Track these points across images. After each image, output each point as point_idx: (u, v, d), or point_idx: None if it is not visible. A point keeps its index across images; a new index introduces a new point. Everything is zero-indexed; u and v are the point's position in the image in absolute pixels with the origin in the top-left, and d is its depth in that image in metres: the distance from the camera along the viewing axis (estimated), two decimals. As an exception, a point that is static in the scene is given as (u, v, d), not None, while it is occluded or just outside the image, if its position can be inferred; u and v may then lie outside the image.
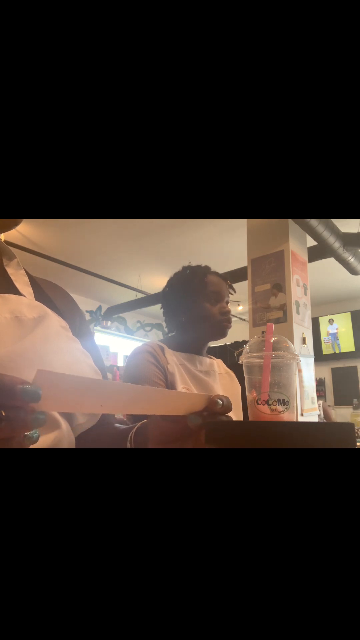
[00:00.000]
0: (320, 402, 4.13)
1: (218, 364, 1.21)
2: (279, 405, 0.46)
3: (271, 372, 0.46)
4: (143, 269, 4.90)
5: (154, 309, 5.41)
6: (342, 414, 5.15)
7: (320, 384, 5.56)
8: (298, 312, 2.87)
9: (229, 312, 1.14)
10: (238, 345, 3.64)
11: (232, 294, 1.20)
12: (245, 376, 0.50)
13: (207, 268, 1.19)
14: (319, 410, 3.96)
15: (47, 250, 4.19)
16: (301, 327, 2.89)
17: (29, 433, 0.33)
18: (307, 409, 2.77)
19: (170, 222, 3.75)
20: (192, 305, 1.12)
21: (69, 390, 0.35)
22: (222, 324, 1.12)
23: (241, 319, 5.68)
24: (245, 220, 3.21)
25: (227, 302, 1.16)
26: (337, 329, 5.90)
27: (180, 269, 1.21)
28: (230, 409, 0.46)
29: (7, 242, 0.64)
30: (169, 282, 1.19)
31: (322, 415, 4.01)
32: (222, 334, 1.14)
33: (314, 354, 3.02)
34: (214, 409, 0.45)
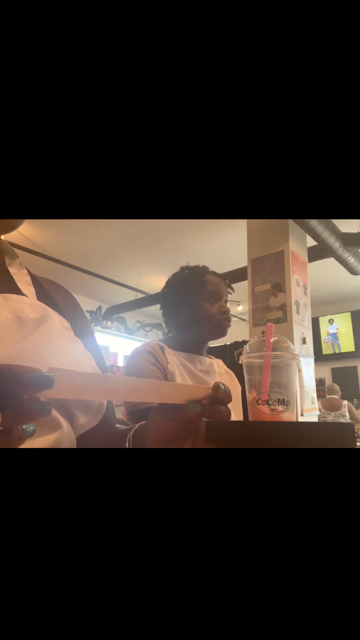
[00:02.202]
0: (345, 402, 4.20)
1: (218, 364, 1.21)
2: (279, 405, 0.46)
3: (271, 372, 0.46)
4: (143, 269, 4.90)
5: (154, 309, 5.41)
6: (342, 414, 5.15)
7: (320, 384, 5.57)
8: (298, 312, 2.87)
9: (228, 311, 1.14)
10: (238, 345, 3.64)
11: (230, 293, 1.20)
12: (245, 376, 0.50)
13: (205, 268, 1.19)
14: (345, 409, 4.02)
15: (47, 250, 4.19)
16: (301, 327, 2.89)
17: (25, 426, 0.32)
18: (307, 409, 2.77)
19: (170, 222, 3.75)
20: (191, 305, 1.12)
21: (75, 383, 0.36)
22: (221, 323, 1.12)
23: (241, 319, 5.68)
24: (245, 220, 3.21)
25: (226, 301, 1.16)
26: (337, 329, 5.91)
27: (178, 269, 1.21)
28: (230, 399, 0.46)
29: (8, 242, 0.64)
30: (167, 282, 1.20)
31: (348, 416, 4.09)
32: (222, 333, 1.14)
33: (314, 354, 3.02)
34: (217, 394, 0.44)
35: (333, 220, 3.18)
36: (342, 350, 5.81)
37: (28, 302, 0.54)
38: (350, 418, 4.16)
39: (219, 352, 3.55)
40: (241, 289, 3.35)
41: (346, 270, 3.72)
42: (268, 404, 0.46)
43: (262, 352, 0.47)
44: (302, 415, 2.69)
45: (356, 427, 3.46)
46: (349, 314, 5.81)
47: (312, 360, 2.94)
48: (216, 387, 0.44)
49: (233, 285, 1.24)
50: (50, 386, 0.31)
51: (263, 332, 0.50)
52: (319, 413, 3.41)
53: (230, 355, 3.55)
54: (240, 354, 0.50)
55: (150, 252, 4.44)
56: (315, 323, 5.71)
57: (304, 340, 2.89)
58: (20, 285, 0.57)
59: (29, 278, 0.60)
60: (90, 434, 0.56)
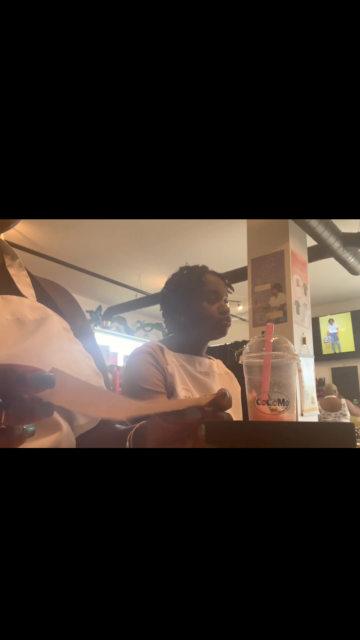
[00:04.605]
0: (344, 400, 4.18)
1: (217, 365, 1.21)
2: (279, 405, 0.46)
3: (271, 372, 0.46)
4: (143, 269, 4.90)
5: (154, 309, 5.41)
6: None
7: (320, 384, 5.57)
8: (298, 312, 2.87)
9: (227, 310, 1.14)
10: (238, 345, 3.64)
11: (230, 292, 1.20)
12: (245, 376, 0.50)
13: (204, 268, 1.19)
14: (345, 408, 4.00)
15: (47, 250, 4.19)
16: (301, 327, 2.89)
17: (26, 426, 0.32)
18: (307, 409, 2.77)
19: (170, 222, 3.75)
20: (191, 305, 1.12)
21: (79, 395, 0.36)
22: (221, 323, 1.12)
23: (241, 319, 5.68)
24: (245, 220, 3.21)
25: (226, 301, 1.16)
26: (337, 329, 5.91)
27: (177, 269, 1.21)
28: (231, 405, 0.46)
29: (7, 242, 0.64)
30: (166, 283, 1.19)
31: (349, 415, 4.08)
32: (222, 332, 1.13)
33: (314, 354, 3.02)
34: (221, 402, 0.45)
35: (333, 220, 3.18)
36: (342, 350, 5.81)
37: (28, 303, 0.54)
38: (351, 414, 4.15)
39: (219, 352, 3.55)
40: (241, 289, 3.35)
41: (346, 270, 3.72)
42: (268, 404, 0.46)
43: (262, 352, 0.47)
44: (302, 415, 2.69)
45: (356, 428, 3.45)
46: (349, 314, 5.81)
47: (312, 360, 2.94)
48: (221, 395, 0.45)
49: (233, 285, 1.23)
50: (52, 386, 0.31)
51: (263, 332, 0.50)
52: (319, 414, 3.41)
53: (230, 355, 3.55)
54: (240, 354, 0.50)
55: (150, 252, 4.44)
56: (315, 323, 5.71)
57: (304, 340, 2.89)
58: (20, 286, 0.57)
59: (28, 279, 0.60)
60: (90, 434, 0.56)
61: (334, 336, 5.90)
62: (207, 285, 1.13)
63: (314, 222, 2.91)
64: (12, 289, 0.57)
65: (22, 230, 3.86)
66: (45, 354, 0.47)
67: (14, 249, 0.62)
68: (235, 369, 1.15)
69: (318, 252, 3.42)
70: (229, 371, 1.24)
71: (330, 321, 5.93)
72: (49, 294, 0.62)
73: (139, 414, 0.44)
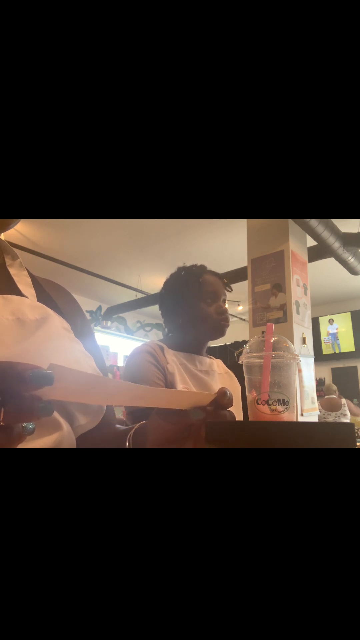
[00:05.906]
0: (344, 400, 4.18)
1: (217, 364, 1.21)
2: (279, 405, 0.46)
3: (271, 372, 0.46)
4: (143, 269, 4.90)
5: (154, 309, 5.40)
6: (342, 414, 5.13)
7: (320, 384, 5.56)
8: (298, 312, 2.87)
9: (225, 311, 1.14)
10: (238, 345, 3.64)
11: (229, 291, 1.19)
12: (245, 376, 0.50)
13: (202, 267, 1.18)
14: (345, 408, 4.00)
15: (47, 250, 4.19)
16: (301, 327, 2.89)
17: (25, 424, 0.32)
18: (307, 409, 2.77)
19: (170, 222, 3.75)
20: (188, 306, 1.12)
21: (77, 384, 0.36)
22: (219, 324, 1.12)
23: (241, 319, 5.68)
24: (245, 220, 3.21)
25: (224, 301, 1.16)
26: (337, 329, 5.91)
27: (175, 270, 1.20)
28: (232, 403, 0.46)
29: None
30: (164, 284, 1.19)
31: (349, 415, 4.07)
32: (221, 333, 1.13)
33: (314, 354, 3.02)
34: (222, 401, 0.45)
35: (333, 220, 3.18)
36: (342, 350, 5.82)
37: (28, 303, 0.54)
38: (351, 414, 4.16)
39: (219, 352, 3.56)
40: (241, 289, 3.35)
41: (346, 270, 3.72)
42: (268, 404, 0.46)
43: (262, 352, 0.47)
44: (302, 415, 2.69)
45: (356, 428, 3.45)
46: (349, 314, 5.81)
47: (312, 360, 2.94)
48: (222, 393, 0.45)
49: (233, 285, 1.23)
50: (51, 383, 0.31)
51: (263, 332, 0.50)
52: (319, 414, 3.40)
53: (230, 355, 3.55)
54: (240, 354, 0.50)
55: (150, 252, 4.44)
56: (315, 323, 5.71)
57: (304, 340, 2.89)
58: (20, 286, 0.57)
59: (29, 279, 0.60)
60: (90, 434, 0.56)
61: (334, 336, 5.91)
62: (205, 286, 1.12)
63: (314, 222, 2.91)
64: (12, 289, 0.57)
65: (22, 230, 3.86)
66: (45, 353, 0.47)
67: (15, 250, 0.62)
68: (236, 368, 1.15)
69: (318, 252, 3.42)
70: (229, 371, 1.24)
71: (330, 321, 5.94)
72: (50, 294, 0.62)
73: (138, 402, 0.44)
